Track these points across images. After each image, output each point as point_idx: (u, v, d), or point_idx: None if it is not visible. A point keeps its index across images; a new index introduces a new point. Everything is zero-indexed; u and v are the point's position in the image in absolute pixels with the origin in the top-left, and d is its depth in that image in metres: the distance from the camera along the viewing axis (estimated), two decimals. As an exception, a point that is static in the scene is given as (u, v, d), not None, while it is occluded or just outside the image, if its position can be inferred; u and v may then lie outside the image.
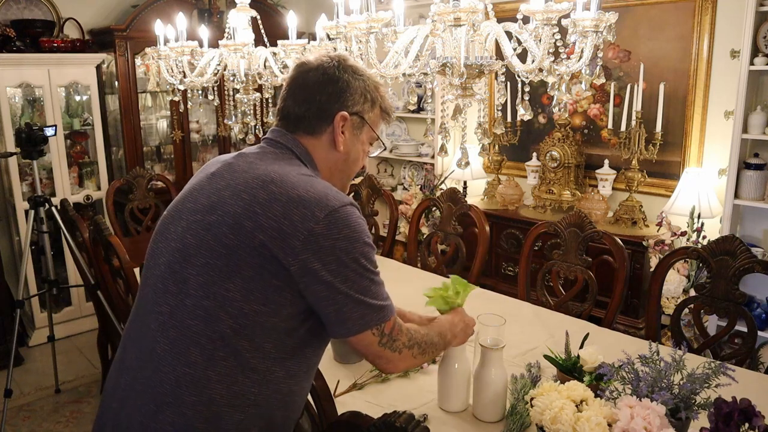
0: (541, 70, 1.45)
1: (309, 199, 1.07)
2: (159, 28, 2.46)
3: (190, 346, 1.06)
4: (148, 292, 1.16)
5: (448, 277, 2.59)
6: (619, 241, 2.22)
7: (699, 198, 2.95)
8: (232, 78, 2.49)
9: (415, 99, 4.12)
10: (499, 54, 1.53)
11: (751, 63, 2.70)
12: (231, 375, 1.06)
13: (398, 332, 1.18)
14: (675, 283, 2.90)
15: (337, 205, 1.08)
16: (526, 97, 1.51)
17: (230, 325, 1.05)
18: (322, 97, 1.21)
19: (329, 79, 1.21)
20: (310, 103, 1.21)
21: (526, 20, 1.43)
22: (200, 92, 2.63)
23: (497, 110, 1.64)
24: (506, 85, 3.49)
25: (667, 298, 2.89)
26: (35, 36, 3.71)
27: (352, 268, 1.07)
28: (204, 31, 2.62)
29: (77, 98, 4.00)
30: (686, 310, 2.29)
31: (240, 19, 2.45)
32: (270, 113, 2.61)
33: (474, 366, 1.57)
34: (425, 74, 1.59)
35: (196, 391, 1.05)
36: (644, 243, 3.00)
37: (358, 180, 3.34)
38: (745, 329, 1.97)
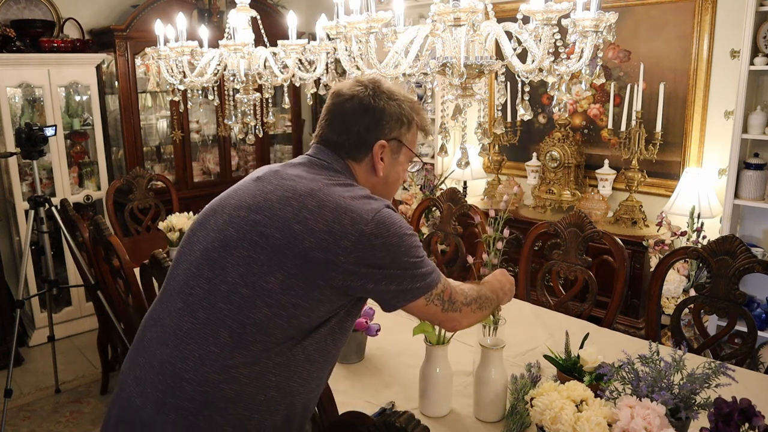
0: (541, 70, 1.45)
1: (355, 205, 1.15)
2: (159, 28, 2.46)
3: (219, 327, 1.11)
4: (178, 274, 1.21)
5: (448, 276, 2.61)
6: (619, 241, 2.22)
7: (699, 198, 2.95)
8: (232, 78, 2.49)
9: (415, 99, 4.12)
10: (499, 54, 1.53)
11: (751, 63, 2.70)
12: (256, 357, 1.11)
13: (455, 294, 1.29)
14: (675, 283, 2.90)
15: (380, 207, 1.18)
16: (526, 97, 1.51)
17: (266, 313, 1.10)
18: (360, 127, 1.27)
19: (365, 108, 1.26)
20: (349, 133, 1.27)
21: (526, 20, 1.42)
22: (200, 92, 2.63)
23: (497, 110, 1.63)
24: (506, 85, 3.48)
25: (667, 298, 2.89)
26: (35, 36, 3.71)
27: (403, 258, 1.17)
28: (204, 31, 2.61)
29: (77, 98, 4.00)
30: (686, 310, 2.29)
31: (240, 19, 2.45)
32: (270, 113, 2.61)
33: (474, 366, 1.57)
34: (425, 74, 1.59)
35: (221, 369, 1.09)
36: (644, 243, 3.00)
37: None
38: (745, 329, 1.97)
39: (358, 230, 1.12)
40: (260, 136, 2.70)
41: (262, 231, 1.14)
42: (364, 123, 1.26)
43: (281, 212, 1.14)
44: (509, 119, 3.65)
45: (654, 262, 2.94)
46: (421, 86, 4.15)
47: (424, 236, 3.12)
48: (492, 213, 1.80)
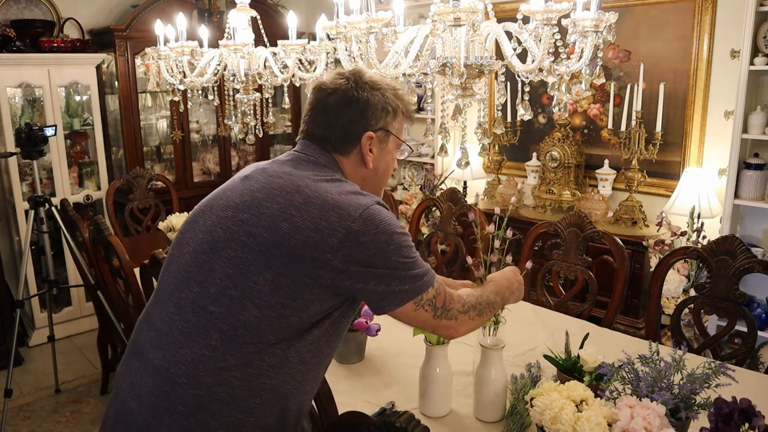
0: (541, 70, 1.45)
1: (342, 201, 1.13)
2: (159, 28, 2.46)
3: (210, 330, 1.10)
4: (168, 278, 1.20)
5: (449, 276, 2.61)
6: (619, 241, 2.22)
7: (699, 198, 2.95)
8: (232, 78, 2.49)
9: (415, 99, 4.12)
10: (499, 54, 1.53)
11: (751, 63, 2.70)
12: (248, 359, 1.10)
13: (450, 301, 1.24)
14: (675, 283, 2.90)
15: (369, 203, 1.15)
16: (526, 97, 1.51)
17: (255, 314, 1.09)
18: (345, 120, 1.25)
19: (349, 101, 1.24)
20: (334, 127, 1.25)
21: (526, 20, 1.42)
22: (200, 92, 2.63)
23: (497, 110, 1.63)
24: (506, 85, 3.48)
25: (667, 298, 2.89)
26: (35, 36, 3.71)
27: (392, 258, 1.13)
28: (204, 31, 2.61)
29: (77, 98, 4.00)
30: (686, 310, 2.29)
31: (240, 19, 2.45)
32: (270, 113, 2.61)
33: (474, 366, 1.57)
34: (425, 74, 1.59)
35: (213, 372, 1.09)
36: (644, 243, 3.00)
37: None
38: (745, 329, 1.97)
39: (345, 227, 1.10)
40: (260, 136, 2.70)
41: (249, 230, 1.12)
42: (348, 116, 1.24)
43: (268, 210, 1.12)
44: (509, 119, 3.64)
45: (654, 262, 2.94)
46: (421, 86, 4.16)
47: (424, 236, 3.12)
48: (497, 210, 1.80)
